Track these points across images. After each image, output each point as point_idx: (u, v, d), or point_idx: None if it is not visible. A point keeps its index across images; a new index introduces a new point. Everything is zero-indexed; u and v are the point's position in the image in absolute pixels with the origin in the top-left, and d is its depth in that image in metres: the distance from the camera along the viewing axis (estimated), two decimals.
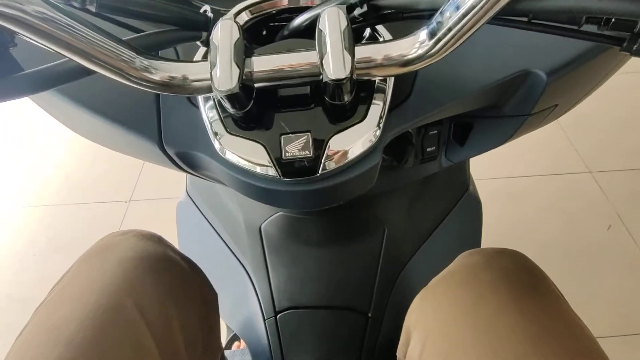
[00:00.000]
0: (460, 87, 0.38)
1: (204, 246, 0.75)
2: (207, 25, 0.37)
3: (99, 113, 0.40)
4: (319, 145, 0.33)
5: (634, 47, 0.27)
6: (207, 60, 0.30)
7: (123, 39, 0.30)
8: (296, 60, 0.31)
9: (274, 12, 0.40)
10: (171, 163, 0.42)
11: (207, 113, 0.36)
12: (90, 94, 0.40)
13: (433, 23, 0.28)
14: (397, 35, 0.31)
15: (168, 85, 0.30)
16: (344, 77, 0.28)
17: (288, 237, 0.62)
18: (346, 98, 0.32)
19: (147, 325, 0.44)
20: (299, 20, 0.36)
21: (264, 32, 0.41)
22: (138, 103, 0.40)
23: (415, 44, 0.29)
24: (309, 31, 0.34)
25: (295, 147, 0.33)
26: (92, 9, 0.30)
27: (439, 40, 0.28)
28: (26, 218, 1.65)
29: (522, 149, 1.66)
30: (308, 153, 0.33)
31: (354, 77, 0.29)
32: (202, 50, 0.39)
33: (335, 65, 0.28)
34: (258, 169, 0.35)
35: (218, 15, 0.37)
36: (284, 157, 0.34)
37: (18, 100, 0.31)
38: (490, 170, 1.61)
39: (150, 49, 0.32)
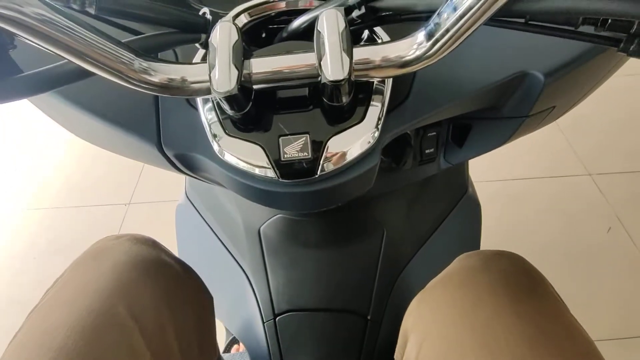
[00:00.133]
0: (458, 89, 0.38)
1: (203, 249, 0.75)
2: (206, 27, 0.37)
3: (98, 115, 0.40)
4: (318, 146, 0.34)
5: (631, 48, 0.27)
6: (206, 62, 0.30)
7: (122, 41, 0.30)
8: (295, 62, 0.31)
9: (273, 14, 0.40)
10: (170, 165, 0.42)
11: (206, 115, 0.36)
12: (89, 96, 0.40)
13: (431, 24, 0.28)
14: (394, 37, 0.31)
15: (167, 87, 0.30)
16: (342, 78, 0.28)
17: (287, 239, 0.62)
18: (344, 99, 0.32)
19: (140, 330, 0.44)
20: (297, 22, 0.36)
21: (263, 35, 0.41)
22: (137, 105, 0.40)
23: (413, 45, 0.29)
24: (307, 33, 0.34)
25: (294, 149, 0.34)
26: (92, 11, 0.31)
27: (437, 41, 0.28)
28: (26, 220, 1.65)
29: (520, 151, 1.66)
30: (306, 154, 0.33)
31: (352, 78, 0.29)
32: (201, 52, 0.39)
33: (333, 66, 0.28)
34: (257, 171, 0.35)
35: (217, 17, 0.37)
36: (282, 159, 0.34)
37: (17, 101, 0.31)
38: (489, 172, 1.61)
39: (149, 51, 0.32)
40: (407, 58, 0.29)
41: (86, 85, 0.32)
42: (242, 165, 0.35)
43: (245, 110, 0.32)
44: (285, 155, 0.34)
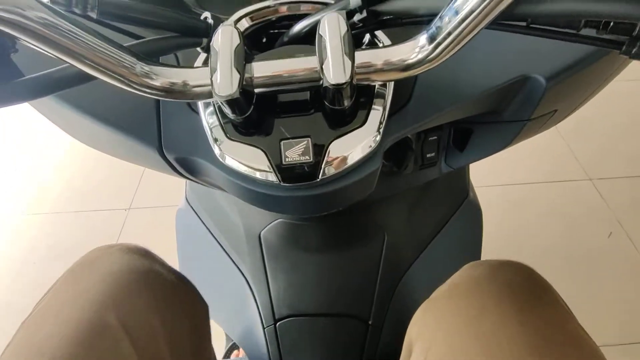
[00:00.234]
0: (459, 92, 0.38)
1: (203, 254, 0.75)
2: (207, 31, 0.37)
3: (99, 118, 0.40)
4: (319, 150, 0.33)
5: (633, 50, 0.27)
6: (208, 66, 0.30)
7: (124, 45, 0.30)
8: (296, 66, 0.31)
9: (274, 18, 0.40)
10: (171, 169, 0.42)
11: (207, 119, 0.36)
12: (90, 100, 0.40)
13: (432, 28, 0.28)
14: (395, 41, 0.31)
15: (169, 91, 0.30)
16: (344, 81, 0.28)
17: (287, 243, 0.61)
18: (346, 103, 0.32)
19: (131, 340, 0.44)
20: (299, 26, 0.36)
21: (264, 39, 0.41)
22: (138, 109, 0.40)
23: (415, 49, 0.29)
24: (308, 37, 0.34)
25: (295, 153, 0.33)
26: (94, 15, 0.31)
27: (439, 44, 0.28)
28: (26, 225, 1.64)
29: (521, 155, 1.66)
30: (308, 158, 0.33)
31: (354, 82, 0.29)
32: (202, 56, 0.39)
33: (335, 70, 0.28)
34: (258, 175, 0.35)
35: (218, 21, 0.37)
36: (284, 163, 0.34)
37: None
38: (490, 177, 1.61)
39: (151, 55, 0.32)
40: (409, 61, 0.29)
41: (87, 88, 0.32)
42: (243, 169, 0.35)
43: (247, 114, 0.32)
44: (287, 159, 0.33)
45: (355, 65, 0.29)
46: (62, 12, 0.27)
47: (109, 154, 0.50)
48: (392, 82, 0.36)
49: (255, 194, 0.36)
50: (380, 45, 0.37)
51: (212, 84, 0.29)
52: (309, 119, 0.34)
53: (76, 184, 1.78)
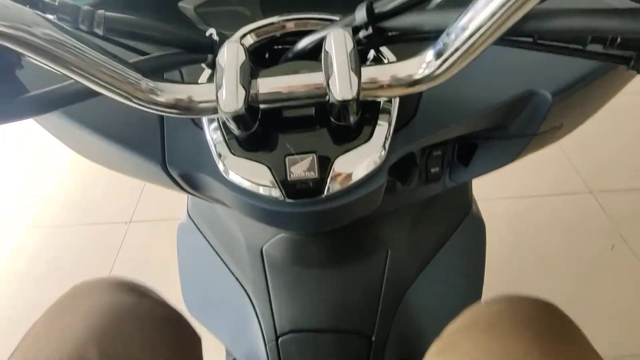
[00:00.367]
0: (465, 108, 0.38)
1: (204, 268, 0.74)
2: (212, 48, 0.37)
3: (102, 134, 0.40)
4: (324, 166, 0.33)
5: None
6: (213, 82, 0.30)
7: (129, 61, 0.30)
8: (302, 81, 0.31)
9: (279, 35, 0.40)
10: (174, 184, 0.42)
11: (212, 134, 0.36)
12: (94, 115, 0.40)
13: (439, 44, 0.28)
14: (400, 57, 0.31)
15: (174, 107, 0.30)
16: (350, 97, 0.28)
17: (290, 259, 0.61)
18: (352, 119, 0.32)
19: None
20: (304, 42, 0.36)
21: (267, 55, 0.41)
22: (142, 124, 0.40)
23: (421, 65, 0.29)
24: (313, 53, 0.34)
25: (301, 169, 0.33)
26: (100, 32, 0.31)
27: (446, 60, 0.28)
28: (26, 238, 1.64)
29: (524, 169, 1.66)
30: (313, 174, 0.33)
31: (360, 97, 0.29)
32: (206, 72, 0.39)
33: (342, 85, 0.28)
34: (262, 190, 0.34)
35: (223, 38, 0.37)
36: (288, 179, 0.33)
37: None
38: (492, 190, 1.61)
39: (156, 72, 0.32)
40: (416, 77, 0.29)
41: (91, 104, 0.32)
42: (247, 185, 0.35)
43: (252, 130, 0.32)
44: (292, 175, 0.33)
45: (361, 81, 0.29)
46: (69, 29, 0.27)
47: (113, 169, 0.50)
48: (398, 98, 0.36)
49: (259, 209, 0.36)
50: (386, 61, 0.37)
51: (217, 100, 0.29)
52: (314, 135, 0.34)
53: (77, 197, 1.78)
